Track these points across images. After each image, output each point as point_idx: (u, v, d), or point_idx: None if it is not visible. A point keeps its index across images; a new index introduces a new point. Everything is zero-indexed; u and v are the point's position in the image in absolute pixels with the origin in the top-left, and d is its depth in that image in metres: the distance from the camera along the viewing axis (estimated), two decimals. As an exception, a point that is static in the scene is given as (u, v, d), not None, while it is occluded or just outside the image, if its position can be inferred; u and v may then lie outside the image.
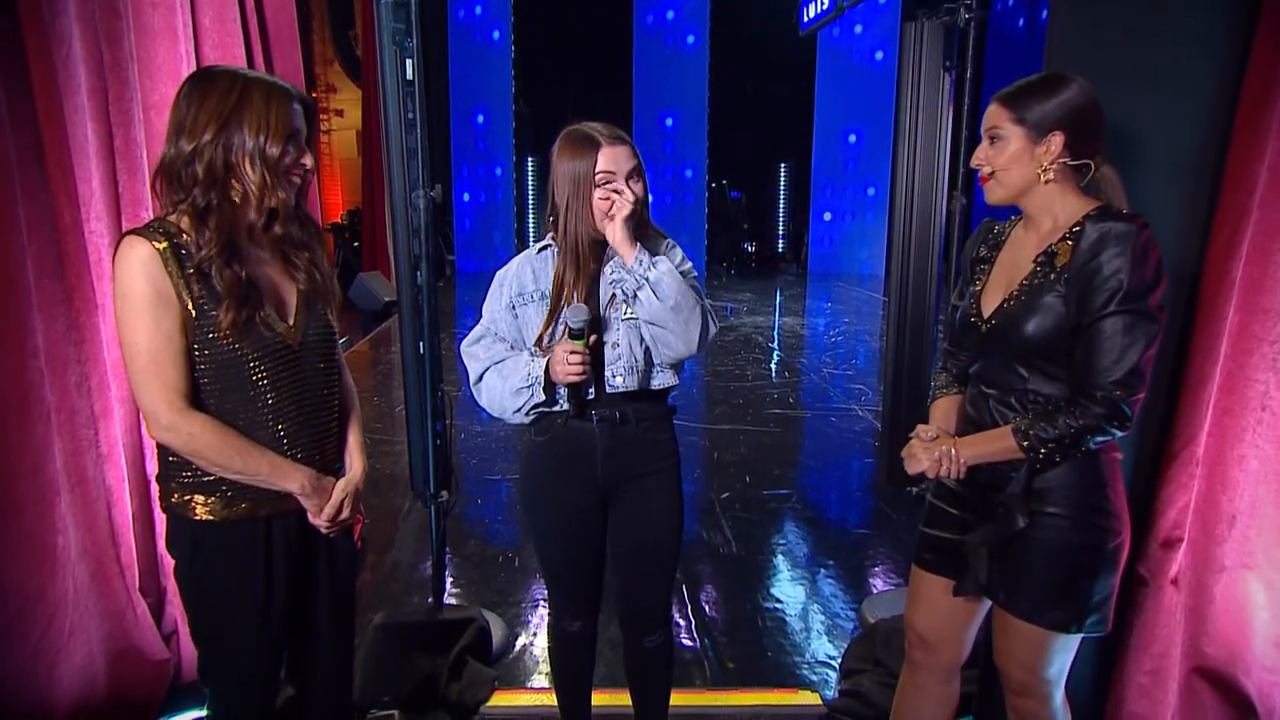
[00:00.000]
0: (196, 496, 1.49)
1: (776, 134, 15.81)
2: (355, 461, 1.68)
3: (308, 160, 1.52)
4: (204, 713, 1.82)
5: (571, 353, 1.71)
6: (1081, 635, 1.61)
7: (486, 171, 14.18)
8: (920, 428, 1.66)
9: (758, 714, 2.49)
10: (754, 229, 16.59)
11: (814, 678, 2.71)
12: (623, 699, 2.19)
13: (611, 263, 1.78)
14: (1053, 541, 1.56)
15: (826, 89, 14.19)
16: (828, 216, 14.76)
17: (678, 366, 1.86)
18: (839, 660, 2.74)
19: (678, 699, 2.19)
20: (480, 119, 13.96)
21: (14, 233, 1.76)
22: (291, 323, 1.53)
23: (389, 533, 3.80)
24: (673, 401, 1.93)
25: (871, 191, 14.36)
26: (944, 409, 1.77)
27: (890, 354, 3.67)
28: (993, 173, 1.57)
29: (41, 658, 1.88)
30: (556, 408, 1.82)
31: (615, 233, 1.72)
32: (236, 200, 1.45)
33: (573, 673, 2.12)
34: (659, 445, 1.88)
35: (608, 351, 1.81)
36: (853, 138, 14.27)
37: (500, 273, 1.91)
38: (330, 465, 1.62)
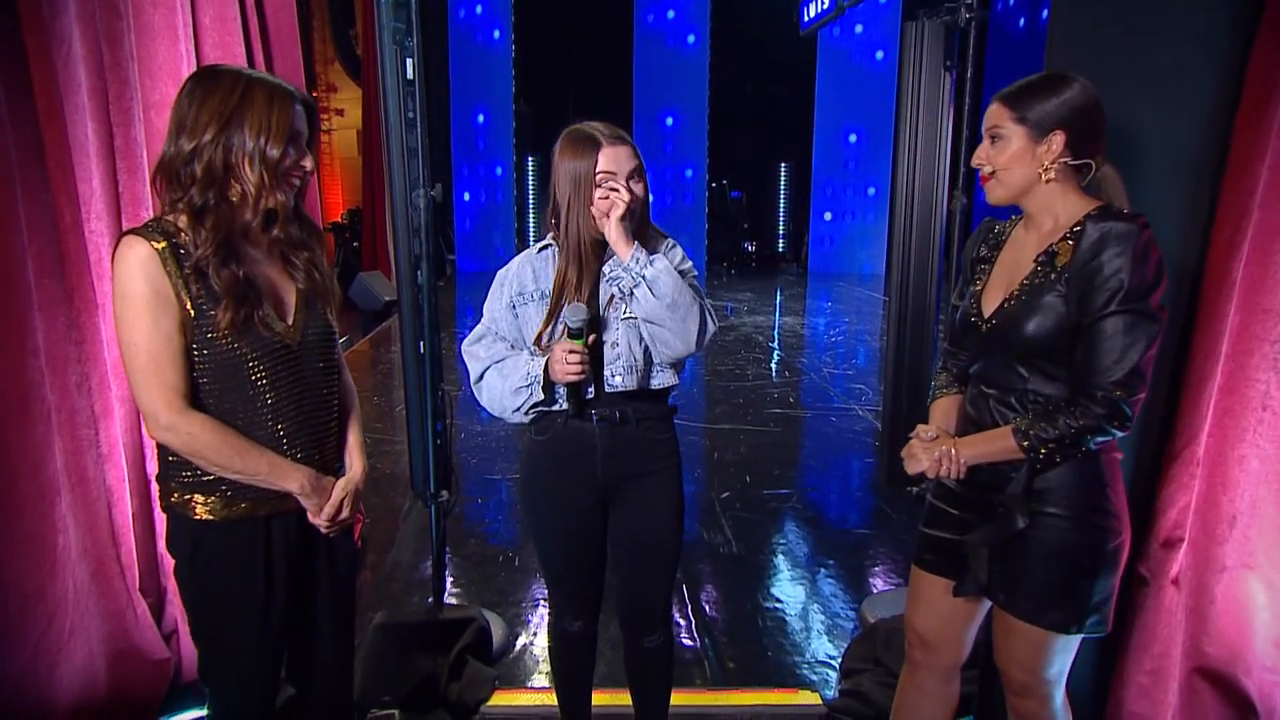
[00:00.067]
0: (196, 496, 1.49)
1: (777, 134, 15.81)
2: (355, 461, 1.68)
3: (308, 162, 1.52)
4: (204, 712, 1.82)
5: (570, 352, 1.71)
6: (1082, 636, 1.61)
7: (487, 171, 14.19)
8: (920, 428, 1.66)
9: (758, 714, 2.49)
10: (754, 229, 16.59)
11: (814, 677, 2.71)
12: (623, 699, 2.19)
13: (610, 261, 1.78)
14: (1053, 542, 1.56)
15: (827, 89, 14.19)
16: (828, 216, 14.76)
17: (678, 366, 1.86)
18: (839, 660, 2.74)
19: (678, 699, 2.19)
20: (480, 118, 13.96)
21: (14, 232, 1.76)
22: (290, 322, 1.53)
23: (389, 532, 3.80)
24: (673, 401, 1.93)
25: (872, 191, 14.36)
26: (944, 409, 1.77)
27: (891, 354, 3.67)
28: (994, 172, 1.57)
29: (42, 657, 1.88)
30: (556, 407, 1.82)
31: (611, 231, 1.72)
32: (234, 200, 1.45)
33: (573, 672, 2.12)
34: (659, 445, 1.88)
35: (607, 351, 1.81)
36: (853, 137, 14.27)
37: (501, 272, 1.91)
38: (330, 465, 1.62)
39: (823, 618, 3.10)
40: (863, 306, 11.30)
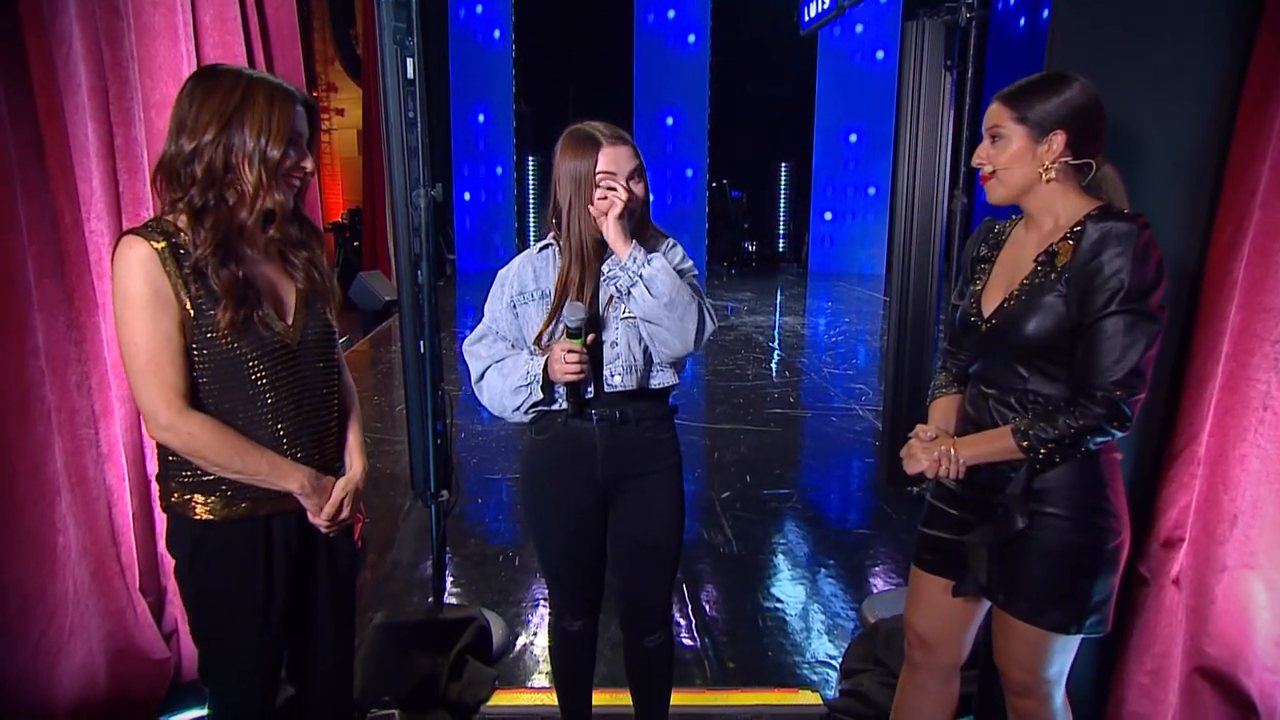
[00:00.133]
0: (196, 496, 1.49)
1: (777, 133, 15.80)
2: (355, 461, 1.68)
3: (308, 164, 1.51)
4: (204, 712, 1.82)
5: (569, 351, 1.71)
6: (1081, 636, 1.60)
7: (487, 171, 14.18)
8: (919, 427, 1.66)
9: (758, 714, 2.49)
10: (755, 228, 16.58)
11: (814, 677, 2.71)
12: (623, 698, 2.19)
13: (609, 261, 1.78)
14: (1052, 542, 1.56)
15: (827, 88, 14.18)
16: (828, 216, 14.76)
17: (678, 366, 1.86)
18: (839, 660, 2.74)
19: (678, 699, 2.19)
20: (481, 118, 13.95)
21: (14, 232, 1.76)
22: (290, 322, 1.53)
23: (389, 532, 3.80)
24: (673, 401, 1.92)
25: (872, 191, 14.35)
26: (943, 409, 1.77)
27: (891, 353, 3.67)
28: (994, 172, 1.57)
29: (42, 657, 1.88)
30: (555, 407, 1.82)
31: (610, 230, 1.72)
32: (234, 201, 1.45)
33: (573, 672, 2.12)
34: (659, 445, 1.88)
35: (606, 351, 1.81)
36: (853, 137, 14.26)
37: (502, 272, 1.91)
38: (330, 464, 1.62)
39: (823, 618, 3.10)
40: (863, 306, 11.30)
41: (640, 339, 1.80)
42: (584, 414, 1.82)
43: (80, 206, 2.06)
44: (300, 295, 1.56)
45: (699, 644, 2.89)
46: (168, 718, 2.30)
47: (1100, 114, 1.52)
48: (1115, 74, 1.73)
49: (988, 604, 1.73)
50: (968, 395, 1.70)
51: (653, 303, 1.72)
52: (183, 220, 1.44)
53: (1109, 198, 1.55)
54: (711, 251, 15.44)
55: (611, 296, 1.80)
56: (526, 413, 1.84)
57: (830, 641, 2.92)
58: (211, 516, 1.49)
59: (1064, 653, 1.62)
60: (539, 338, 1.82)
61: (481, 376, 1.88)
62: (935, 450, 1.58)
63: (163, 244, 1.40)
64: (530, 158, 14.55)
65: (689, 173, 14.55)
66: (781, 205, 16.36)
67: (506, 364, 1.84)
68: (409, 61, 2.40)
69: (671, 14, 14.07)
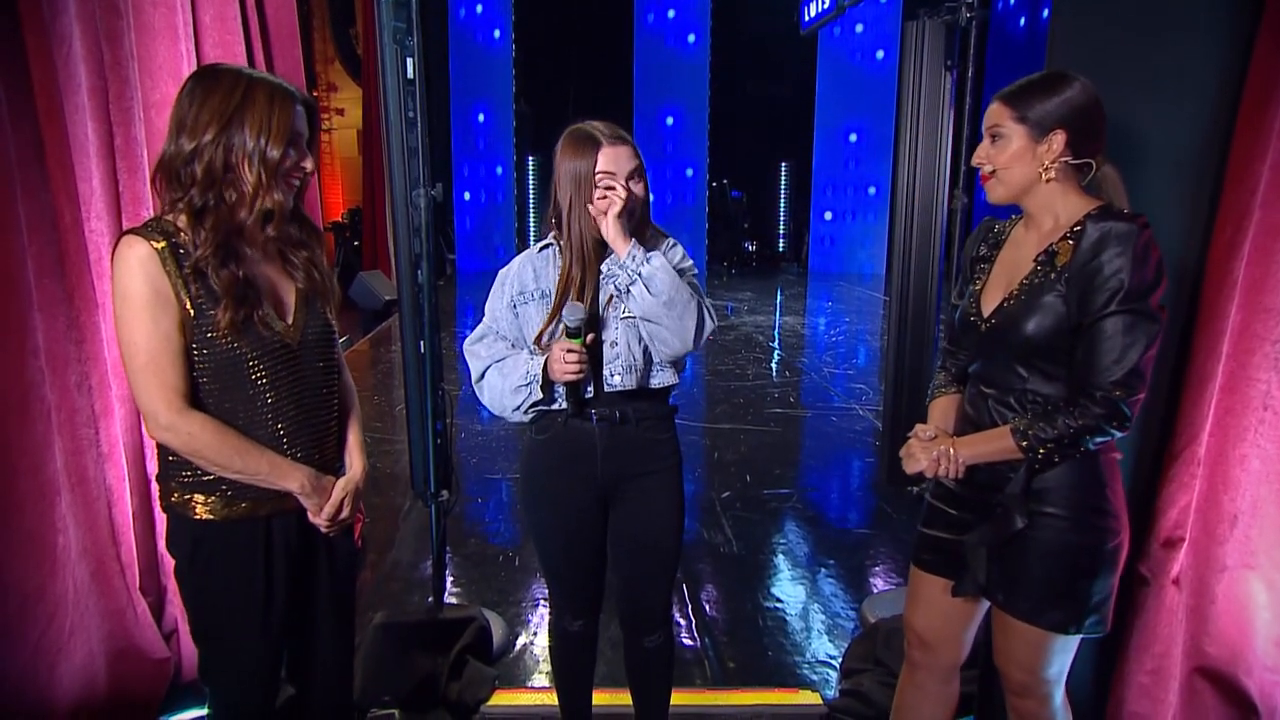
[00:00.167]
0: (196, 496, 1.49)
1: (777, 133, 15.80)
2: (355, 460, 1.68)
3: (308, 163, 1.51)
4: (204, 711, 1.82)
5: (568, 351, 1.71)
6: (1081, 636, 1.60)
7: (487, 170, 14.18)
8: (919, 427, 1.66)
9: (758, 714, 2.49)
10: (755, 228, 16.57)
11: (814, 677, 2.71)
12: (623, 698, 2.19)
13: (608, 259, 1.78)
14: (1051, 542, 1.55)
15: (827, 88, 14.18)
16: (828, 216, 14.75)
17: (678, 365, 1.86)
18: (839, 660, 2.74)
19: (678, 698, 2.19)
20: (481, 118, 13.95)
21: (14, 232, 1.76)
22: (290, 322, 1.53)
23: (389, 532, 3.80)
24: (673, 401, 1.92)
25: (872, 191, 14.35)
26: (942, 408, 1.77)
27: (891, 353, 3.66)
28: (994, 171, 1.57)
29: (42, 657, 1.88)
30: (555, 406, 1.82)
31: (608, 229, 1.73)
32: (233, 201, 1.45)
33: (573, 672, 2.12)
34: (659, 445, 1.88)
35: (606, 350, 1.81)
36: (853, 137, 14.26)
37: (502, 271, 1.91)
38: (330, 464, 1.62)
39: (823, 617, 3.10)
40: (863, 306, 11.30)
41: (640, 338, 1.80)
42: (584, 414, 1.82)
43: (80, 206, 2.06)
44: (300, 295, 1.56)
45: (699, 644, 2.89)
46: (168, 717, 2.30)
47: (1100, 114, 1.52)
48: (1115, 74, 1.73)
49: (987, 604, 1.73)
50: (967, 395, 1.70)
51: (651, 301, 1.72)
52: (183, 220, 1.43)
53: (1109, 197, 1.55)
54: (711, 251, 15.44)
55: (611, 296, 1.80)
56: (526, 412, 1.84)
57: (830, 641, 2.92)
58: (212, 516, 1.49)
59: (1063, 653, 1.62)
60: (539, 337, 1.82)
61: (482, 376, 1.88)
62: (934, 450, 1.58)
63: (163, 244, 1.40)
64: (530, 158, 14.55)
65: (689, 172, 14.55)
66: (781, 205, 16.36)
67: (506, 364, 1.85)
68: (409, 61, 2.40)
69: (671, 14, 14.07)
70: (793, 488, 4.45)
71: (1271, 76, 1.66)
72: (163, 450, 1.51)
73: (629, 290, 1.73)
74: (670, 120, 14.29)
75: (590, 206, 1.74)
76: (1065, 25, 1.88)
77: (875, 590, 3.31)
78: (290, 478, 1.51)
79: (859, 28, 13.80)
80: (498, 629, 2.84)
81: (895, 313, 3.60)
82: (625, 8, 13.98)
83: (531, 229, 14.59)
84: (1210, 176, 1.81)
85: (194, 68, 2.20)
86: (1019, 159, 1.53)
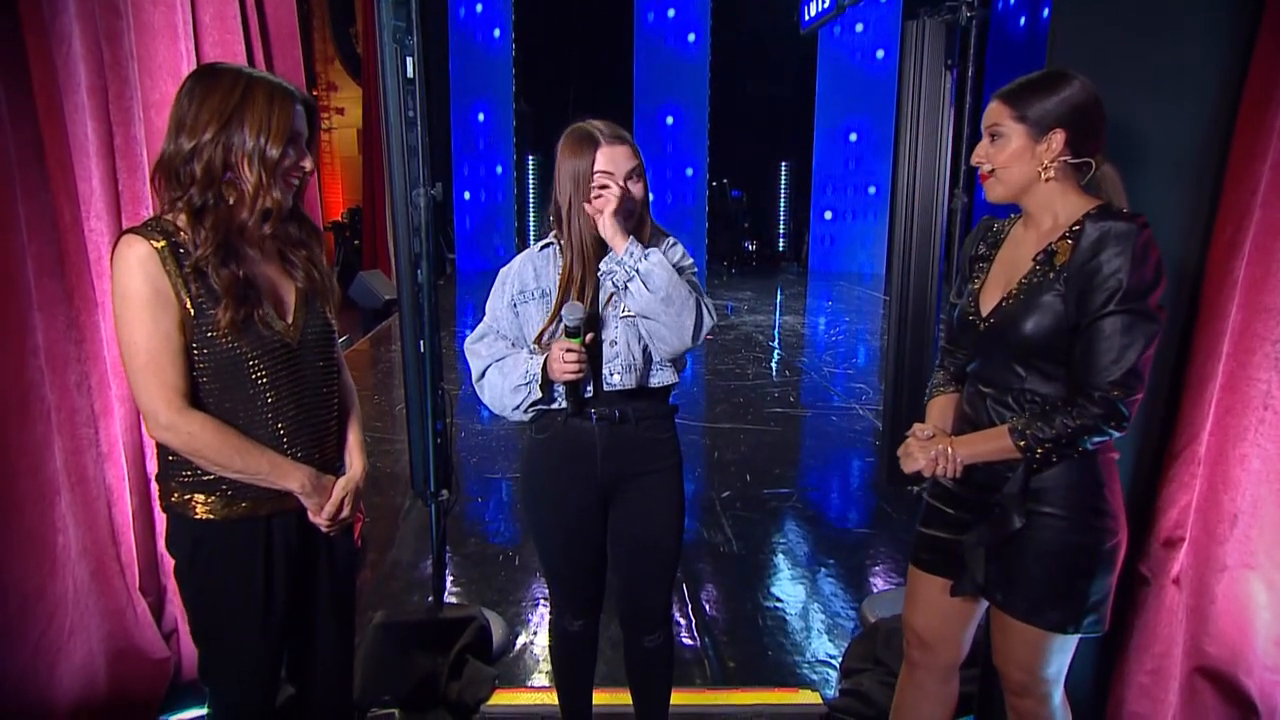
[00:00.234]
0: (196, 496, 1.49)
1: (777, 133, 15.80)
2: (355, 460, 1.68)
3: (307, 163, 1.51)
4: (204, 711, 1.82)
5: (567, 351, 1.71)
6: (1079, 635, 1.60)
7: (487, 170, 14.18)
8: (917, 426, 1.66)
9: (758, 713, 2.49)
10: (755, 228, 16.58)
11: (814, 677, 2.71)
12: (623, 698, 2.19)
13: (607, 257, 1.78)
14: (1049, 542, 1.55)
15: (827, 88, 14.18)
16: (828, 215, 14.75)
17: (678, 364, 1.86)
18: (839, 659, 2.74)
19: (678, 698, 2.19)
20: (481, 117, 13.95)
21: (14, 231, 1.76)
22: (290, 321, 1.53)
23: (389, 531, 3.80)
24: (673, 400, 1.92)
25: (872, 190, 14.35)
26: (941, 407, 1.77)
27: (891, 353, 3.66)
28: (993, 170, 1.57)
29: (42, 656, 1.88)
30: (554, 406, 1.82)
31: (605, 227, 1.73)
32: (233, 200, 1.45)
33: (573, 672, 2.12)
34: (659, 444, 1.88)
35: (605, 349, 1.81)
36: (853, 136, 14.26)
37: (503, 271, 1.91)
38: (330, 464, 1.62)
39: (823, 617, 3.10)
40: (863, 306, 11.30)
41: (640, 337, 1.80)
42: (583, 413, 1.82)
43: (80, 205, 2.06)
44: (300, 294, 1.56)
45: (699, 643, 2.89)
46: (168, 717, 2.30)
47: (1100, 113, 1.52)
48: (1115, 73, 1.73)
49: (986, 603, 1.73)
50: (965, 394, 1.70)
51: (649, 297, 1.71)
52: (182, 219, 1.43)
53: (1108, 197, 1.55)
54: (712, 251, 15.44)
55: (611, 295, 1.80)
56: (526, 412, 1.84)
57: (830, 641, 2.92)
58: (212, 516, 1.49)
59: (1062, 652, 1.62)
60: (540, 337, 1.82)
61: (482, 375, 1.88)
62: (932, 449, 1.58)
63: (162, 243, 1.40)
64: (530, 157, 14.55)
65: (689, 172, 14.55)
66: (781, 204, 16.36)
67: (507, 363, 1.85)
68: (409, 60, 2.40)
69: (671, 13, 14.07)
70: (793, 487, 4.45)
71: (1271, 76, 1.66)
72: (162, 450, 1.51)
73: (627, 287, 1.73)
74: (670, 120, 14.29)
75: (587, 205, 1.74)
76: (1065, 25, 1.88)
77: (875, 590, 3.31)
78: (291, 477, 1.51)
79: (859, 27, 13.80)
80: (498, 629, 2.84)
81: (895, 312, 3.60)
82: (625, 7, 13.98)
83: (531, 228, 14.59)
84: (1210, 176, 1.81)
85: (193, 67, 2.20)
86: (1018, 158, 1.53)
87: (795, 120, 15.01)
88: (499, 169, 14.22)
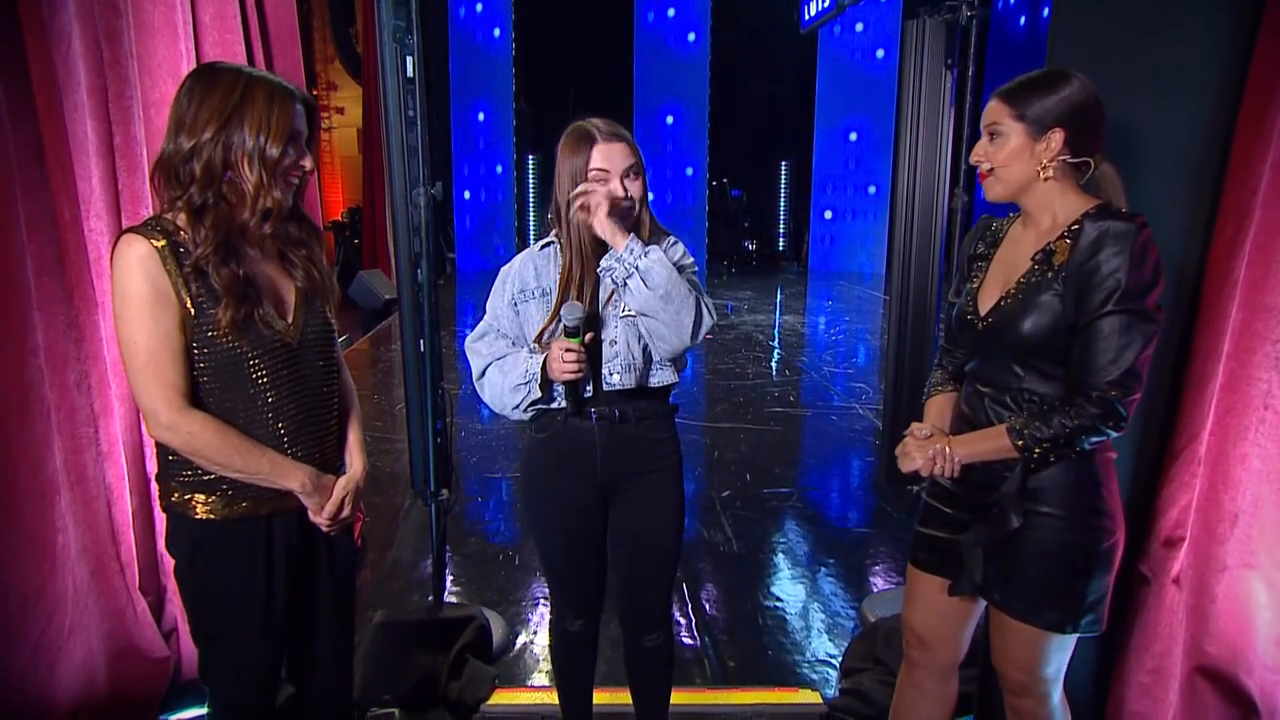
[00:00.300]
0: (197, 495, 1.49)
1: (777, 132, 15.81)
2: (355, 459, 1.68)
3: (307, 162, 1.51)
4: (204, 711, 1.82)
5: (567, 350, 1.70)
6: (1077, 635, 1.60)
7: (487, 169, 14.18)
8: (915, 426, 1.66)
9: (758, 713, 2.49)
10: (755, 227, 16.59)
11: (814, 676, 2.71)
12: (623, 697, 2.19)
13: (606, 255, 1.78)
14: (1047, 541, 1.55)
15: (827, 87, 14.18)
16: (828, 215, 14.76)
17: (678, 364, 1.86)
18: (839, 659, 2.74)
19: (678, 698, 2.19)
20: (481, 117, 13.95)
21: (13, 230, 1.76)
22: (290, 321, 1.53)
23: (389, 531, 3.80)
24: (673, 400, 1.92)
25: (872, 190, 14.35)
26: (939, 407, 1.77)
27: (891, 352, 3.66)
28: (992, 169, 1.57)
29: (42, 656, 1.88)
30: (554, 405, 1.82)
31: (601, 226, 1.72)
32: (233, 199, 1.45)
33: (573, 671, 2.12)
34: (660, 444, 1.88)
35: (605, 349, 1.80)
36: (853, 136, 14.26)
37: (504, 269, 1.91)
38: (330, 463, 1.62)
39: (823, 616, 3.10)
40: (863, 305, 11.30)
41: (639, 337, 1.80)
42: (583, 413, 1.82)
43: (79, 205, 2.06)
44: (300, 294, 1.56)
45: (699, 643, 2.89)
46: (167, 716, 2.30)
47: (1099, 112, 1.52)
48: (1115, 73, 1.73)
49: (985, 603, 1.73)
50: (963, 393, 1.70)
51: (649, 295, 1.71)
52: (182, 218, 1.43)
53: (1107, 196, 1.55)
54: (712, 250, 15.45)
55: (611, 294, 1.80)
56: (526, 411, 1.84)
57: (830, 640, 2.92)
58: (212, 516, 1.49)
59: (1060, 652, 1.62)
60: (540, 336, 1.82)
61: (483, 374, 1.88)
62: (930, 449, 1.57)
63: (162, 242, 1.40)
64: (530, 156, 14.55)
65: (689, 171, 14.55)
66: (781, 204, 16.37)
67: (507, 362, 1.85)
68: (409, 60, 2.40)
69: (671, 13, 14.07)
70: (793, 487, 4.45)
71: (1272, 76, 1.65)
72: (162, 450, 1.51)
73: (626, 283, 1.73)
74: (670, 119, 14.29)
75: (580, 214, 1.74)
76: (1065, 24, 1.88)
77: (875, 589, 3.31)
78: (291, 477, 1.51)
79: (859, 27, 13.80)
80: (498, 628, 2.84)
81: (895, 312, 3.60)
82: (625, 7, 13.99)
83: (531, 228, 14.60)
84: (1210, 176, 1.81)
85: (193, 66, 2.20)
86: (1017, 157, 1.53)
87: (795, 120, 15.01)
88: (499, 168, 14.23)
